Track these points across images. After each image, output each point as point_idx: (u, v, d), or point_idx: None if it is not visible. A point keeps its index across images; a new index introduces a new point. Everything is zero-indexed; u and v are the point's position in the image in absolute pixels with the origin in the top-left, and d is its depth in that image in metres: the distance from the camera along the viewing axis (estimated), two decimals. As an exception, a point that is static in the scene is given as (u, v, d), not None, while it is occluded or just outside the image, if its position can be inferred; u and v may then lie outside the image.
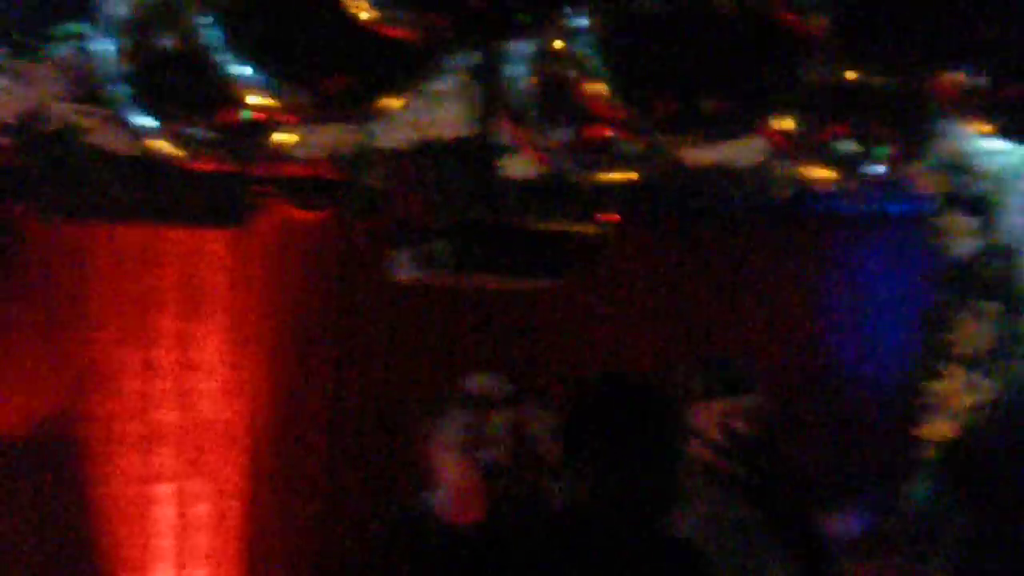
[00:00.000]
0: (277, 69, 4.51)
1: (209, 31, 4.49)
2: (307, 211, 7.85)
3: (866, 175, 6.09)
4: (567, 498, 4.42)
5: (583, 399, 4.49)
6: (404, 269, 4.67)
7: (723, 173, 7.65)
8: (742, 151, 7.38)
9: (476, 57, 4.80)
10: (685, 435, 4.69)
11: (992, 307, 8.06)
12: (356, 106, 4.78)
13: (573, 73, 4.82)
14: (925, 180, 8.11)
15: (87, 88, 5.96)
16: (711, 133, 5.41)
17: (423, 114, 6.67)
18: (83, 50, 5.56)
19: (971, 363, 8.00)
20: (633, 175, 5.99)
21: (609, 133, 5.56)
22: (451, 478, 5.67)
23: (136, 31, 5.01)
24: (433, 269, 4.50)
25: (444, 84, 6.41)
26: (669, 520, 4.51)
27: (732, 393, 6.13)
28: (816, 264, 8.96)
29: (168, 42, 4.91)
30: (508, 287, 5.35)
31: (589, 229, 7.17)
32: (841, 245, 8.98)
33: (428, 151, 6.84)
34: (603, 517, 4.34)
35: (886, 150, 5.90)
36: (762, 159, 7.28)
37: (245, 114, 5.15)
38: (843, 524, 6.58)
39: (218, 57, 4.51)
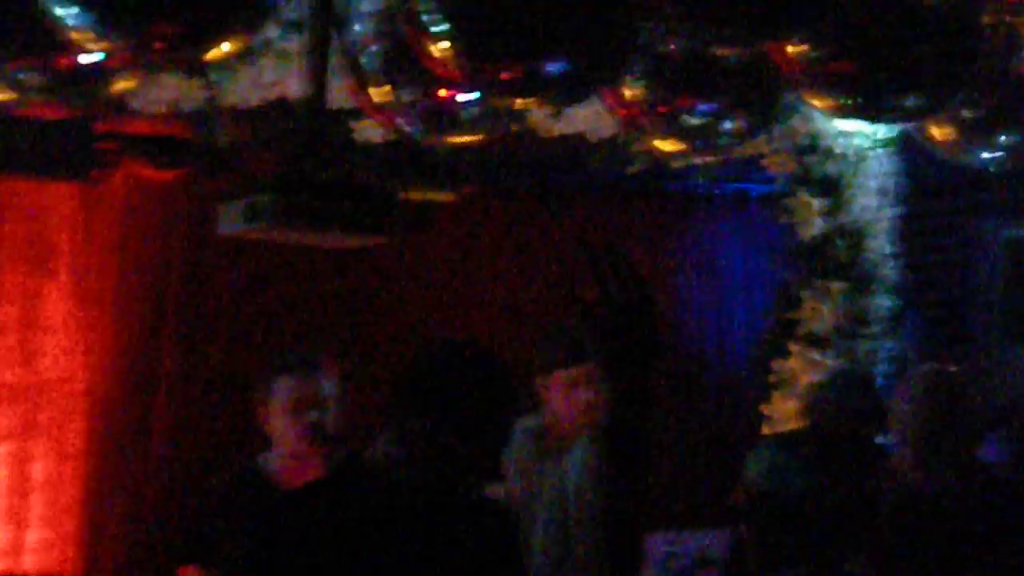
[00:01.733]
0: (102, 11, 4.43)
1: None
2: (156, 169, 7.73)
3: (715, 148, 6.09)
4: (393, 459, 4.43)
5: (420, 361, 4.46)
6: (230, 222, 4.62)
7: (575, 144, 7.61)
8: (595, 122, 7.35)
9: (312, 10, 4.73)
10: (519, 404, 4.62)
11: (838, 287, 8.10)
12: (186, 53, 4.71)
13: (417, 33, 4.80)
14: (776, 160, 8.13)
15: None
16: (553, 97, 5.40)
17: (270, 73, 6.61)
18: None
19: (815, 342, 8.04)
20: (477, 139, 5.96)
21: (455, 96, 5.53)
22: (283, 441, 5.68)
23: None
24: (257, 222, 4.45)
25: (293, 43, 6.36)
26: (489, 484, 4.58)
27: (575, 363, 6.13)
28: (670, 240, 8.98)
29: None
30: (332, 244, 5.30)
31: (433, 194, 7.12)
32: (695, 223, 9.05)
33: (272, 109, 6.77)
34: (426, 478, 4.39)
35: (734, 123, 5.90)
36: (614, 132, 7.23)
37: (81, 59, 5.08)
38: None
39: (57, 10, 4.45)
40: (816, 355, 8.08)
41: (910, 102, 5.43)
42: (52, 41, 4.82)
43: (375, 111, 5.75)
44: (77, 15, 4.44)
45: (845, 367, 7.91)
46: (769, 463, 6.89)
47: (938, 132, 6.10)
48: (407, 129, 5.76)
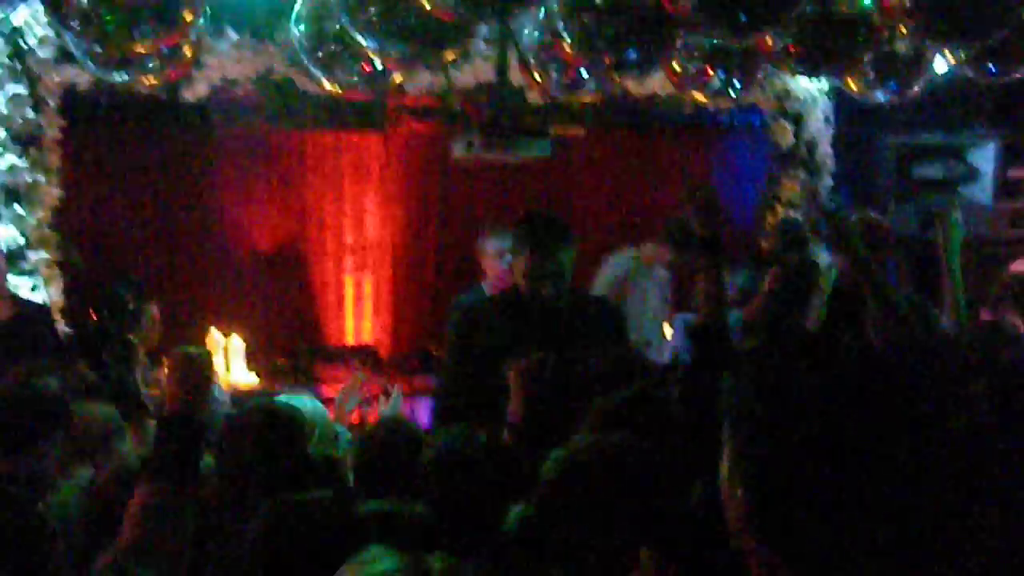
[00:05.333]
0: (389, 45, 4.55)
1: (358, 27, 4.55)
2: (420, 124, 7.84)
3: (728, 97, 6.08)
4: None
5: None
6: (458, 150, 4.73)
7: (651, 99, 7.62)
8: (661, 86, 7.35)
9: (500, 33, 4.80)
10: None
11: (799, 172, 8.08)
12: (431, 58, 4.80)
13: (559, 40, 4.88)
14: (765, 103, 8.06)
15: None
16: (636, 71, 5.42)
17: (479, 66, 6.68)
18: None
19: (789, 204, 8.03)
20: (595, 97, 6.01)
21: (580, 73, 5.58)
22: (490, 273, 5.89)
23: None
24: (472, 150, 4.56)
25: (490, 50, 6.43)
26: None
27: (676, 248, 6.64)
28: (707, 148, 8.89)
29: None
30: (511, 160, 5.38)
31: (570, 129, 7.17)
32: (722, 141, 8.92)
33: (480, 88, 6.85)
34: None
35: (739, 82, 5.89)
36: (672, 91, 7.23)
37: (376, 67, 5.18)
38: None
39: (360, 40, 4.56)
40: (791, 212, 8.10)
41: (838, 68, 5.45)
42: (362, 57, 4.96)
43: (537, 85, 5.81)
44: (373, 46, 4.58)
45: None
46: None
47: (852, 84, 6.05)
48: (555, 93, 5.81)
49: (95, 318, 4.17)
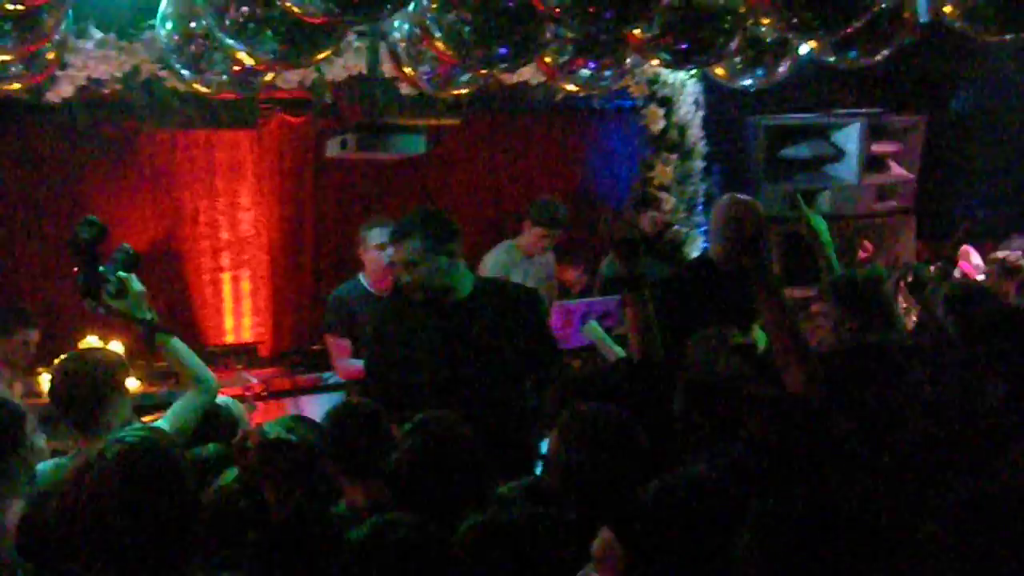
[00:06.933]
0: (260, 48, 4.54)
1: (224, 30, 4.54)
2: (292, 118, 7.78)
3: (598, 86, 6.20)
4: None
5: None
6: (333, 149, 4.76)
7: (523, 88, 7.70)
8: (532, 74, 7.44)
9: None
10: None
11: (673, 156, 8.25)
12: (305, 58, 4.80)
13: (430, 38, 4.92)
14: (636, 89, 8.22)
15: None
16: (508, 66, 5.49)
17: (351, 60, 6.69)
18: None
19: (664, 188, 8.19)
20: (467, 89, 6.07)
21: (452, 68, 5.63)
22: (371, 266, 5.87)
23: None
24: (346, 148, 4.59)
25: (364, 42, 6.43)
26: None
27: (550, 225, 6.85)
28: (581, 133, 8.97)
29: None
30: (390, 158, 5.41)
31: (445, 120, 7.21)
32: (595, 125, 9.01)
33: (350, 81, 6.85)
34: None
35: (609, 72, 6.01)
36: (543, 79, 7.33)
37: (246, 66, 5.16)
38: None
39: (229, 42, 4.54)
40: (664, 194, 8.25)
41: (706, 58, 5.61)
42: (234, 60, 4.94)
43: (408, 79, 5.84)
44: (242, 47, 4.55)
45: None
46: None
47: (719, 71, 6.22)
48: (426, 87, 5.86)
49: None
